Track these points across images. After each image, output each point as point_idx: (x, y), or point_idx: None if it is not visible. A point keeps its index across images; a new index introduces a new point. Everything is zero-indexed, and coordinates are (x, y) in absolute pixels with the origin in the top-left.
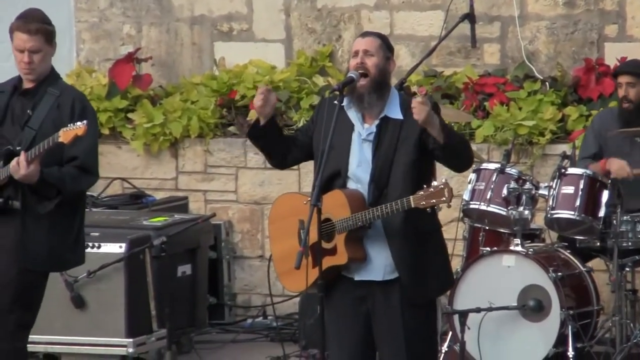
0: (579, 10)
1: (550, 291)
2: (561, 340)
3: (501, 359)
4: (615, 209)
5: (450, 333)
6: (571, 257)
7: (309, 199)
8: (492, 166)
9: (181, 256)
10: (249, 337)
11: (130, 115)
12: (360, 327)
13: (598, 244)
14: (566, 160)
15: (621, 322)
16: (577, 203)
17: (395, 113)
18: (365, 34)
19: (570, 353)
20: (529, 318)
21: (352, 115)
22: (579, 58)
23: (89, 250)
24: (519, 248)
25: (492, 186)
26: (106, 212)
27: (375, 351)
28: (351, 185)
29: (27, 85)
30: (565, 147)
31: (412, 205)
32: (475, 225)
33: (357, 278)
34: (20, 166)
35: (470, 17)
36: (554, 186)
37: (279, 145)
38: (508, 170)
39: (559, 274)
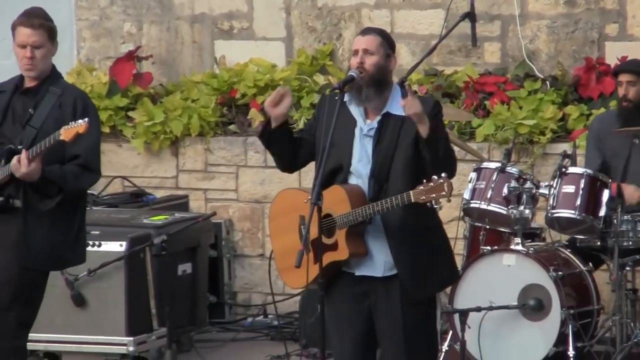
0: (579, 9)
1: (551, 290)
2: (561, 340)
3: (501, 358)
4: (616, 208)
5: (451, 332)
6: (571, 256)
7: (309, 197)
8: (493, 165)
9: (181, 255)
10: (249, 335)
11: (130, 113)
12: (361, 322)
13: (598, 243)
14: (567, 160)
15: (621, 321)
16: (578, 202)
17: (397, 109)
18: (366, 32)
19: (571, 352)
20: (530, 317)
21: (355, 110)
22: (579, 57)
23: (89, 248)
24: (519, 247)
25: (492, 185)
26: (107, 210)
27: (377, 346)
28: (353, 180)
29: (28, 84)
30: (565, 146)
31: (412, 200)
32: (476, 224)
33: (357, 273)
34: (21, 164)
35: (470, 15)
36: (554, 185)
37: (289, 148)
38: (509, 169)
39: (560, 273)
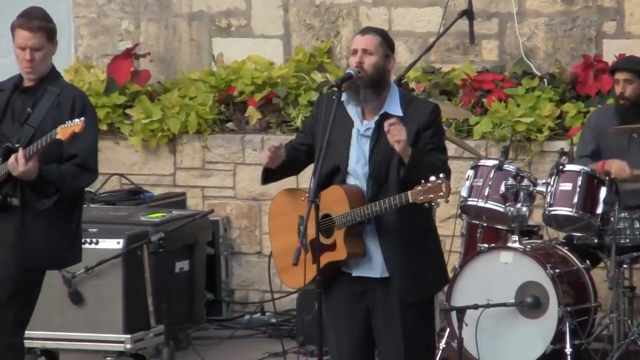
0: (577, 6)
1: (548, 288)
2: (559, 337)
3: (499, 356)
4: (613, 206)
5: (448, 330)
6: (569, 253)
7: (307, 195)
8: (490, 163)
9: (179, 252)
10: (247, 333)
11: (128, 111)
12: (359, 322)
13: (596, 240)
14: (564, 157)
15: (619, 319)
16: (575, 200)
17: (395, 110)
18: (365, 31)
19: (568, 350)
20: (527, 315)
21: (352, 111)
22: (577, 55)
23: (86, 246)
24: (516, 245)
25: (490, 183)
26: (104, 208)
27: (374, 346)
28: (350, 180)
29: (27, 83)
30: (563, 144)
31: (410, 200)
32: (473, 221)
33: (355, 274)
34: (18, 163)
35: (468, 13)
36: (551, 183)
37: (290, 168)
38: (506, 166)
39: (557, 270)
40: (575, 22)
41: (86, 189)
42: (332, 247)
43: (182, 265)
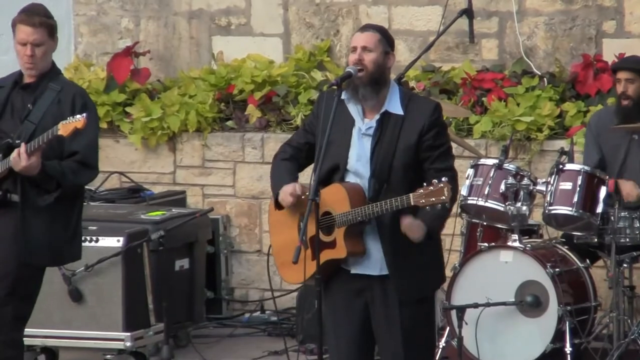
0: (577, 6)
1: (548, 287)
2: (559, 336)
3: (499, 355)
4: (613, 205)
5: (448, 328)
6: (569, 253)
7: (307, 192)
8: (490, 162)
9: (179, 250)
10: (247, 331)
11: (128, 109)
12: (358, 319)
13: (596, 240)
14: (564, 156)
15: (619, 318)
16: (575, 199)
17: (396, 108)
18: (365, 28)
19: (568, 349)
20: (527, 314)
21: (353, 109)
22: (577, 54)
23: (86, 244)
24: (516, 244)
25: (490, 182)
26: (104, 205)
27: (374, 343)
28: (351, 178)
29: (28, 79)
30: (563, 143)
31: (412, 203)
32: (473, 220)
33: (353, 271)
34: (21, 158)
35: (468, 12)
36: (551, 182)
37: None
38: (506, 165)
39: (557, 269)
40: (575, 21)
41: (86, 187)
42: (332, 245)
43: (182, 263)
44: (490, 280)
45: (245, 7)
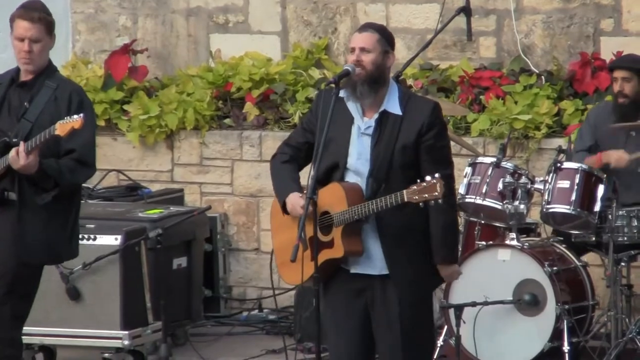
0: (574, 4)
1: (546, 286)
2: (556, 335)
3: (496, 353)
4: (611, 203)
5: (446, 327)
6: (566, 251)
7: (305, 191)
8: (488, 160)
9: (177, 248)
10: (245, 329)
11: (125, 107)
12: (358, 318)
13: (593, 238)
14: (562, 155)
15: (616, 317)
16: (573, 197)
17: (395, 108)
18: (363, 28)
19: (566, 348)
20: (525, 312)
21: (352, 108)
22: (574, 52)
23: (84, 242)
24: (514, 242)
25: (487, 180)
26: (102, 204)
27: (374, 343)
28: (350, 177)
29: (24, 77)
30: (560, 141)
31: (405, 200)
32: (471, 219)
33: (352, 271)
34: (19, 156)
35: (466, 10)
36: (549, 180)
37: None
38: (504, 164)
39: (555, 268)
40: (573, 20)
41: (84, 185)
42: (330, 244)
43: (180, 261)
44: (488, 278)
45: (243, 5)
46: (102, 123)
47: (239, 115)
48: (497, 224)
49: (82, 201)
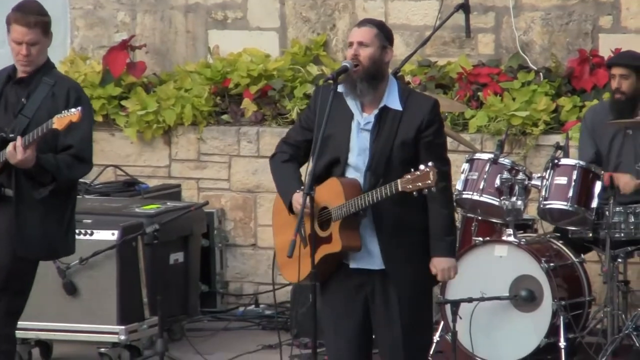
0: (573, 1)
1: (542, 282)
2: (553, 331)
3: (493, 349)
4: (608, 200)
5: (442, 323)
6: (563, 247)
7: (303, 187)
8: (485, 156)
9: (174, 244)
10: (241, 325)
11: (123, 102)
12: (357, 313)
13: (590, 235)
14: (559, 151)
15: (613, 313)
16: (570, 194)
17: (395, 104)
18: (362, 23)
19: (562, 343)
20: (521, 308)
21: (351, 104)
22: (573, 49)
23: (81, 237)
24: (511, 238)
25: (485, 176)
26: (99, 199)
27: (372, 340)
28: (350, 173)
29: (21, 73)
30: (558, 138)
31: (400, 189)
32: (468, 215)
33: (352, 266)
34: (17, 151)
35: (464, 7)
36: (546, 177)
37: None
38: (501, 160)
39: (551, 264)
40: (572, 17)
41: (81, 180)
42: (329, 239)
43: (177, 256)
44: (484, 274)
45: (241, 1)
46: (100, 119)
47: (237, 111)
48: (494, 220)
49: (80, 196)
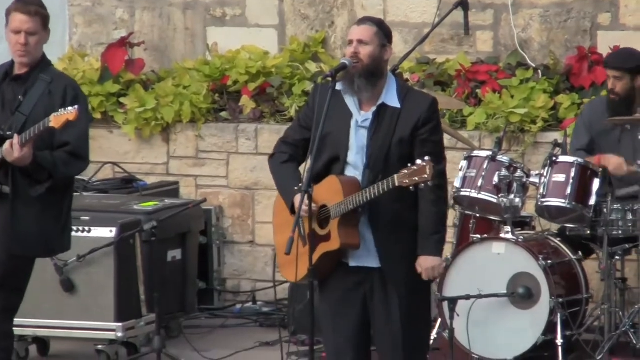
0: None
1: (540, 279)
2: (550, 328)
3: (490, 346)
4: (606, 197)
5: (440, 320)
6: (561, 245)
7: (300, 185)
8: (484, 154)
9: (171, 241)
10: (238, 322)
11: (122, 99)
12: (356, 311)
13: (588, 232)
14: (557, 149)
15: (610, 310)
16: (568, 191)
17: (393, 101)
18: (361, 21)
19: (559, 341)
20: (519, 306)
21: (350, 101)
22: (571, 46)
23: (79, 234)
24: (509, 236)
25: (483, 174)
26: (97, 196)
27: (370, 337)
28: (349, 171)
29: (18, 71)
30: (556, 135)
31: (397, 184)
32: (466, 212)
33: (351, 264)
34: (14, 149)
35: (463, 4)
36: (545, 174)
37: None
38: (499, 157)
39: (549, 261)
40: (570, 14)
41: (79, 177)
42: (327, 237)
43: (175, 254)
44: (482, 271)
45: None
46: (98, 116)
47: (235, 108)
48: (492, 218)
49: (77, 193)
